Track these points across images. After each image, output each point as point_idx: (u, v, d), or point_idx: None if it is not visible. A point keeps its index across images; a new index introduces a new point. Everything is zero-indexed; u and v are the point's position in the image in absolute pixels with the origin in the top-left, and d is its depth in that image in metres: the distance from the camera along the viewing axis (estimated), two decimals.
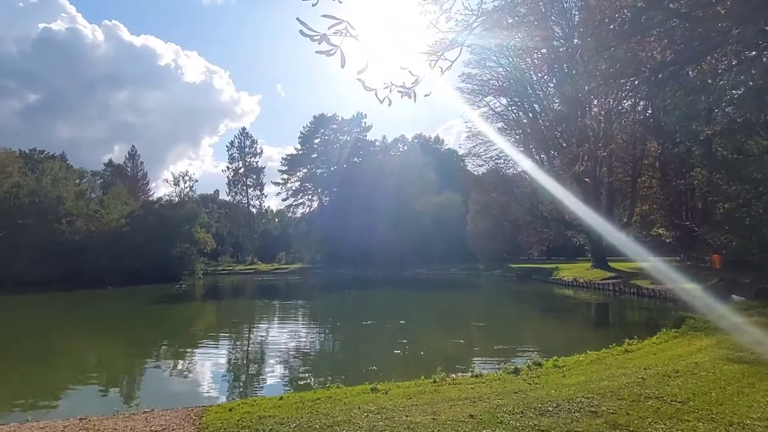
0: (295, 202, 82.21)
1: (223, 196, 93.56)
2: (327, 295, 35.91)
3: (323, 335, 19.86)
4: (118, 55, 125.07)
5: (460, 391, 6.93)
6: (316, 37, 3.29)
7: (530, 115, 36.84)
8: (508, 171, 40.17)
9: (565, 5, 32.81)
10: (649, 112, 34.06)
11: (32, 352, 16.63)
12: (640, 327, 17.53)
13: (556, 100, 33.92)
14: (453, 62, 4.26)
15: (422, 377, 7.96)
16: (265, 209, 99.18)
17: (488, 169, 45.53)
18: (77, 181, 65.15)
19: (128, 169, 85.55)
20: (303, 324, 23.38)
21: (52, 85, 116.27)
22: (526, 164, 39.11)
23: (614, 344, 10.34)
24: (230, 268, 76.05)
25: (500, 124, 38.74)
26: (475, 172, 62.33)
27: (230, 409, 6.26)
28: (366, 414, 5.94)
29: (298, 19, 3.15)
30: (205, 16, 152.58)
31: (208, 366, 14.24)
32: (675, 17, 7.18)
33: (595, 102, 32.31)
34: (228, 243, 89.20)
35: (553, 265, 43.98)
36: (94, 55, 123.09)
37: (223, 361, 15.05)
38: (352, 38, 3.45)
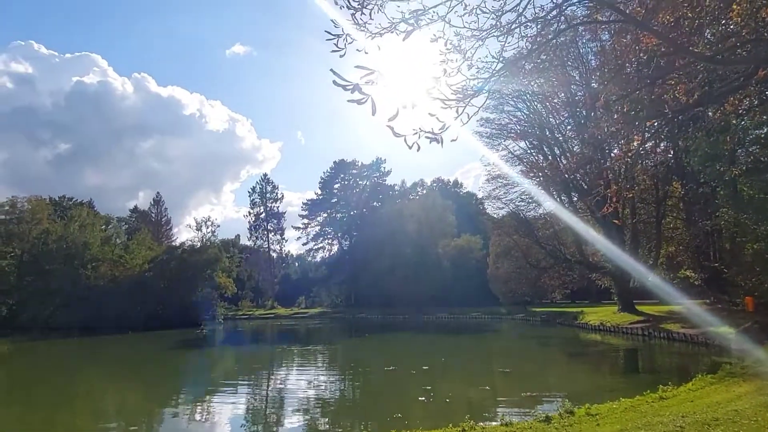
0: (315, 247, 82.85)
1: (244, 240, 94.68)
2: (348, 340, 35.51)
3: (345, 382, 19.51)
4: (145, 106, 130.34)
5: None
6: (348, 87, 3.41)
7: (550, 158, 36.95)
8: (528, 213, 39.96)
9: (581, 50, 33.40)
10: (671, 153, 33.88)
11: (54, 397, 16.69)
12: (673, 373, 16.88)
13: (576, 143, 34.05)
14: (479, 108, 4.36)
15: (449, 425, 7.74)
16: (285, 253, 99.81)
17: (508, 212, 45.40)
18: (103, 227, 66.61)
19: (153, 214, 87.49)
20: (324, 370, 23.05)
21: (82, 135, 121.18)
22: (548, 204, 39.05)
23: (648, 391, 9.99)
24: (250, 312, 75.99)
25: (520, 167, 38.89)
26: (495, 215, 62.39)
27: None
28: None
29: (332, 70, 3.29)
30: (228, 67, 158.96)
31: (226, 413, 14.09)
32: (699, 60, 7.25)
33: (616, 144, 32.39)
34: (248, 287, 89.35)
35: (578, 309, 42.95)
36: (123, 105, 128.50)
37: (242, 409, 14.86)
38: (382, 86, 3.57)
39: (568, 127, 36.98)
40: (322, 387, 17.83)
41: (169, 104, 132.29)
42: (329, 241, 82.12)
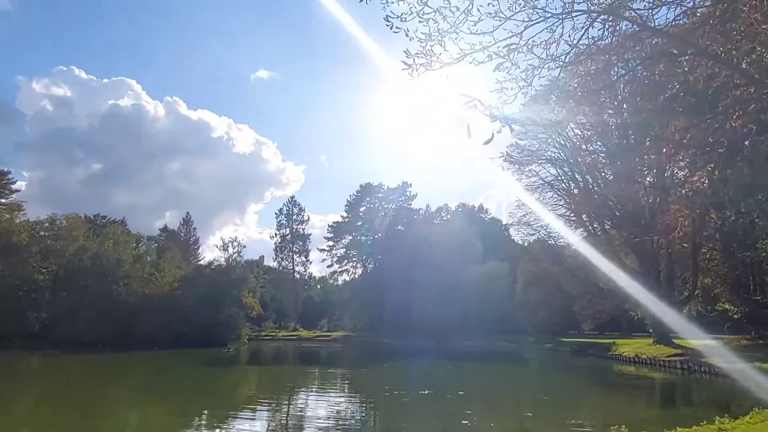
0: (340, 269, 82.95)
1: (267, 261, 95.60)
2: (374, 364, 35.15)
3: (381, 405, 19.14)
4: (175, 128, 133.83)
5: None
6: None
7: (581, 185, 36.77)
8: (560, 240, 39.57)
9: (612, 78, 33.40)
10: (705, 182, 33.38)
11: (79, 412, 16.97)
12: (721, 407, 16.37)
13: (609, 171, 33.82)
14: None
15: None
16: (308, 276, 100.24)
17: (538, 239, 45.08)
18: (135, 245, 68.08)
19: (182, 234, 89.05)
20: (358, 393, 22.80)
21: (114, 156, 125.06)
22: (572, 239, 38.67)
23: (704, 422, 9.78)
24: (273, 333, 76.21)
25: (551, 194, 38.78)
26: (522, 242, 61.82)
27: None
28: None
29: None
30: (253, 91, 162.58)
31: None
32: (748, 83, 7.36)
33: (648, 173, 32.15)
34: (271, 308, 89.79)
35: (608, 340, 41.97)
36: (154, 128, 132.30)
37: (278, 426, 14.92)
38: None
39: (601, 155, 36.85)
40: (362, 410, 17.81)
41: (198, 127, 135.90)
42: (353, 264, 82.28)
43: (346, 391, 22.99)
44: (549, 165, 38.58)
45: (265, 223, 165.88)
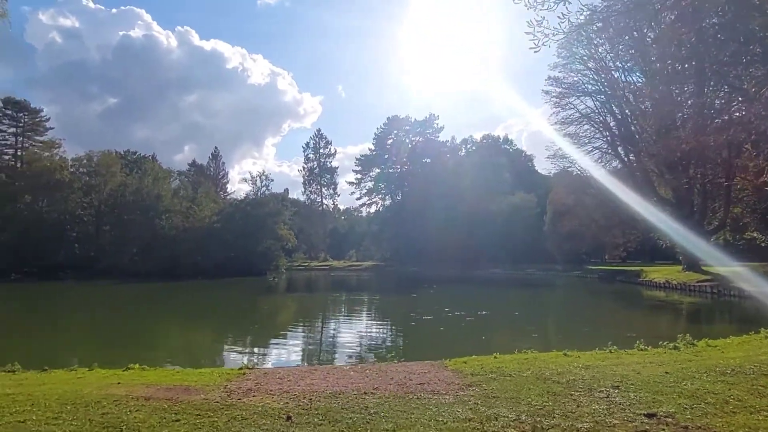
0: (369, 201, 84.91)
1: (293, 195, 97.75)
2: (416, 290, 37.01)
3: (449, 323, 19.95)
4: (189, 60, 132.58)
5: (640, 359, 8.26)
6: None
7: (619, 117, 36.97)
8: (592, 172, 40.06)
9: (657, 6, 32.78)
10: (744, 112, 33.39)
11: (133, 335, 18.70)
12: (754, 324, 17.91)
13: (647, 103, 33.88)
14: None
15: (595, 349, 9.32)
16: (333, 207, 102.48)
17: (564, 170, 45.68)
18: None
19: (211, 168, 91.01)
20: (420, 313, 23.12)
21: (129, 89, 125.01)
22: (606, 171, 39.17)
23: (752, 332, 11.23)
24: (305, 264, 79.40)
25: (587, 126, 39.04)
26: (547, 173, 62.36)
27: (464, 362, 7.92)
28: (578, 368, 7.42)
29: None
30: (269, 20, 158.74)
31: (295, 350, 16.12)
32: None
33: (688, 102, 32.14)
34: (300, 240, 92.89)
35: (635, 268, 43.64)
36: (168, 60, 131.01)
37: (314, 344, 16.93)
38: None
39: (638, 84, 36.74)
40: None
41: (212, 58, 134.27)
42: (381, 196, 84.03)
43: (408, 312, 23.75)
44: (586, 97, 38.64)
45: (283, 156, 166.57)
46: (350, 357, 13.89)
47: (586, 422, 5.06)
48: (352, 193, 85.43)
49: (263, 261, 59.52)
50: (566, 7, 8.13)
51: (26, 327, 21.48)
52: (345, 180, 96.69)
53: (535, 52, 8.61)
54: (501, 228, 63.30)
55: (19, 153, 65.06)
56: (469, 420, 5.15)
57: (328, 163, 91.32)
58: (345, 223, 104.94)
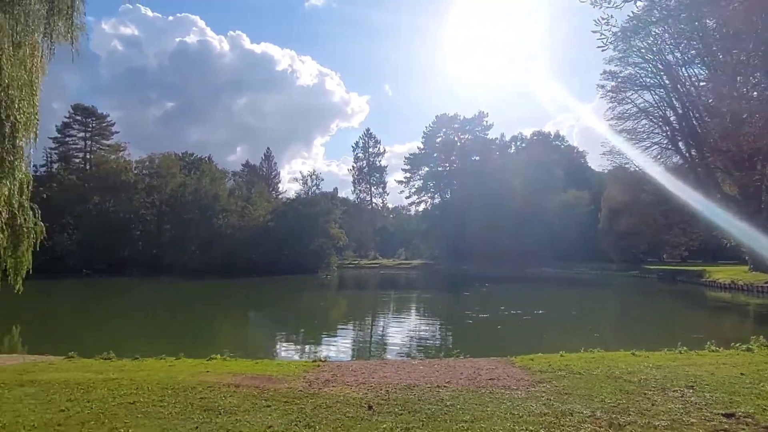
0: (418, 200, 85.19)
1: (341, 193, 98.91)
2: (470, 288, 36.89)
3: (507, 321, 19.99)
4: (241, 63, 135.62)
5: (713, 360, 8.16)
6: None
7: (680, 111, 35.51)
8: (651, 168, 38.54)
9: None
10: None
11: (193, 331, 19.48)
12: None
13: (711, 97, 32.46)
14: None
15: (664, 349, 9.24)
16: (381, 206, 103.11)
17: (620, 166, 44.24)
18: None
19: (263, 168, 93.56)
20: (476, 312, 23.12)
21: (185, 93, 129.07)
22: (666, 167, 37.75)
23: None
24: (356, 262, 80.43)
25: (645, 122, 37.69)
26: (600, 169, 60.34)
27: (531, 359, 8.08)
28: (649, 368, 7.43)
29: None
30: (317, 21, 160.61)
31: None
32: None
33: (753, 94, 30.63)
34: (350, 239, 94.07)
35: (696, 267, 41.86)
36: (220, 64, 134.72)
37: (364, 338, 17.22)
38: None
39: (700, 77, 35.29)
40: (459, 326, 19.67)
41: (262, 61, 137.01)
42: (430, 195, 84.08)
43: (464, 310, 23.66)
44: (644, 91, 37.34)
45: (331, 155, 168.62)
46: (414, 352, 14.22)
47: (663, 420, 5.14)
48: (401, 191, 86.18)
49: (315, 259, 60.70)
50: (635, 5, 8.11)
51: (101, 319, 23.04)
52: (393, 179, 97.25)
53: (603, 50, 8.61)
54: (552, 226, 62.07)
55: (88, 156, 69.25)
56: (544, 414, 5.34)
57: (377, 162, 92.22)
58: (394, 222, 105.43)
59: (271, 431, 4.95)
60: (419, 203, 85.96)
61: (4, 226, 19.40)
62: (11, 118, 14.28)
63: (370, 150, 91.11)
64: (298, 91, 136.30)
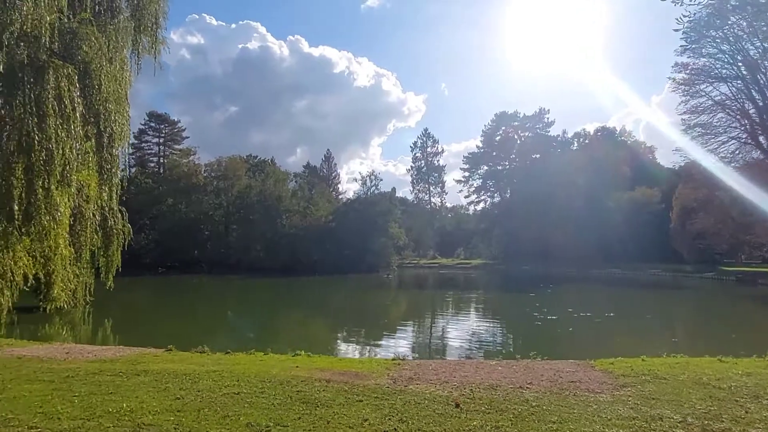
0: (477, 199, 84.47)
1: (399, 193, 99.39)
2: (535, 289, 36.12)
3: (580, 324, 19.86)
4: (300, 67, 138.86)
5: None
6: None
7: (760, 103, 33.36)
8: (733, 164, 36.23)
9: None
10: None
11: (257, 326, 20.29)
12: None
13: None
14: None
15: (754, 356, 8.96)
16: (440, 206, 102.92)
17: (692, 162, 41.85)
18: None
19: (324, 169, 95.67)
20: (543, 313, 23.14)
21: (247, 98, 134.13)
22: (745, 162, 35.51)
23: None
24: (415, 261, 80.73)
25: (721, 115, 35.60)
26: (671, 166, 57.21)
27: (611, 363, 8.09)
28: (738, 375, 7.30)
29: None
30: (373, 22, 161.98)
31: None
32: None
33: None
34: (409, 238, 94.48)
35: None
36: (281, 68, 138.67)
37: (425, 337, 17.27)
38: None
39: None
40: (529, 327, 19.51)
41: (320, 64, 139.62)
42: (489, 194, 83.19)
43: (531, 312, 23.48)
44: (720, 83, 35.32)
45: (389, 155, 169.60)
46: (487, 352, 14.30)
47: (759, 428, 5.09)
48: (460, 191, 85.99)
49: (376, 258, 61.49)
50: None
51: (181, 313, 24.63)
52: (452, 178, 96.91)
53: (685, 50, 8.49)
54: (619, 225, 59.74)
55: (161, 160, 73.42)
56: (633, 419, 5.39)
57: (435, 162, 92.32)
58: (452, 221, 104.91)
59: (367, 424, 5.30)
60: (478, 202, 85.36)
61: (98, 228, 21.25)
62: (108, 129, 15.76)
63: (428, 149, 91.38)
64: (355, 93, 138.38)
